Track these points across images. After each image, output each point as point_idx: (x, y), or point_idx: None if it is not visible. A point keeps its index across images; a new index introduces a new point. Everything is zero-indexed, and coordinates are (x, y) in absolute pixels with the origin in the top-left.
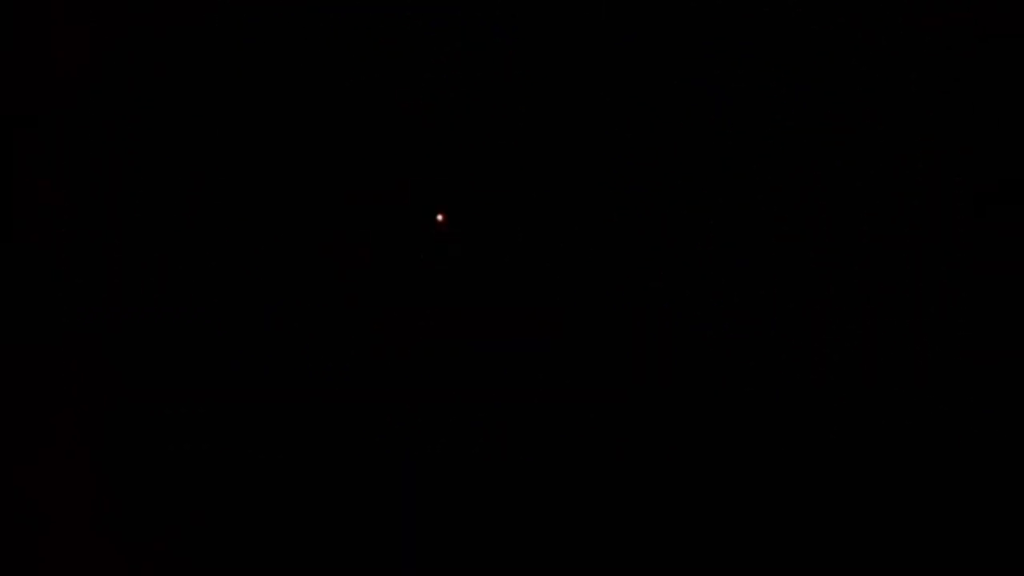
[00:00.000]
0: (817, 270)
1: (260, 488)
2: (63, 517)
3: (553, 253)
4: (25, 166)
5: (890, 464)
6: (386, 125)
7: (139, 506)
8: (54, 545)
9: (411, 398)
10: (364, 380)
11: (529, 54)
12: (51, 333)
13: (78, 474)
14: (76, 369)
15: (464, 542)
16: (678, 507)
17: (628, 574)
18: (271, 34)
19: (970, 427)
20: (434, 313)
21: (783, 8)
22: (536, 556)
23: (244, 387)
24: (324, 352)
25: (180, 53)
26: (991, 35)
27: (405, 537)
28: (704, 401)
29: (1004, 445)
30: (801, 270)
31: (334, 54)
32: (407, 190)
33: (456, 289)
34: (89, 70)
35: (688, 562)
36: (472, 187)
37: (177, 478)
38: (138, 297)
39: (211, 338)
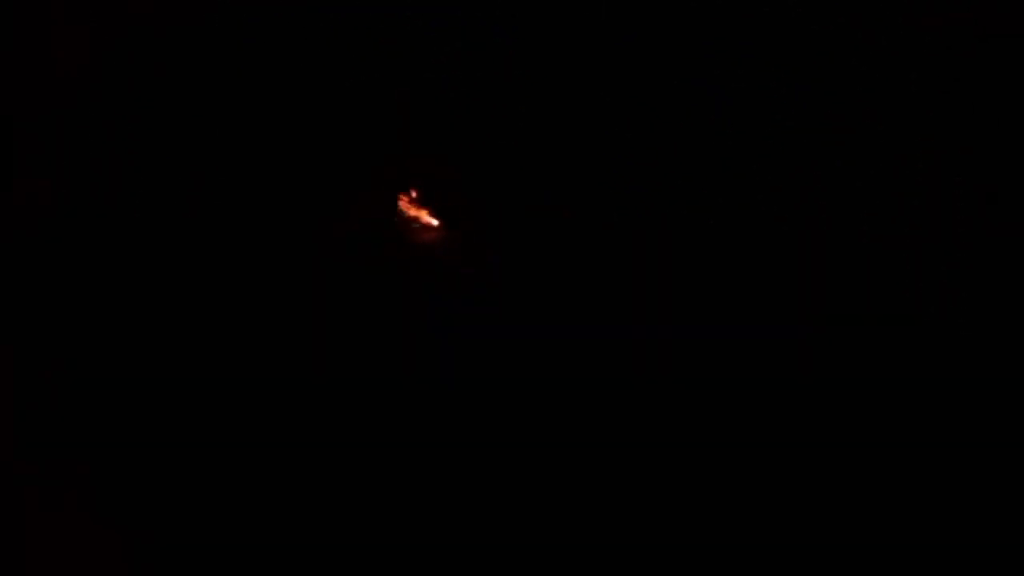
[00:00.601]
0: (816, 269)
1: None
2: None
3: (551, 252)
4: (25, 166)
5: (889, 464)
6: (384, 125)
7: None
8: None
9: (408, 394)
10: (361, 378)
11: (529, 53)
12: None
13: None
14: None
15: (462, 541)
16: (678, 506)
17: (628, 573)
18: (270, 34)
19: (970, 426)
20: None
21: (783, 8)
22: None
23: (239, 382)
24: (321, 350)
25: (180, 53)
26: (991, 35)
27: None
28: (703, 400)
29: (1004, 444)
30: (800, 269)
31: (332, 54)
32: (404, 188)
33: (452, 285)
34: (89, 70)
35: (688, 561)
36: (470, 186)
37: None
38: (135, 293)
39: (206, 333)
